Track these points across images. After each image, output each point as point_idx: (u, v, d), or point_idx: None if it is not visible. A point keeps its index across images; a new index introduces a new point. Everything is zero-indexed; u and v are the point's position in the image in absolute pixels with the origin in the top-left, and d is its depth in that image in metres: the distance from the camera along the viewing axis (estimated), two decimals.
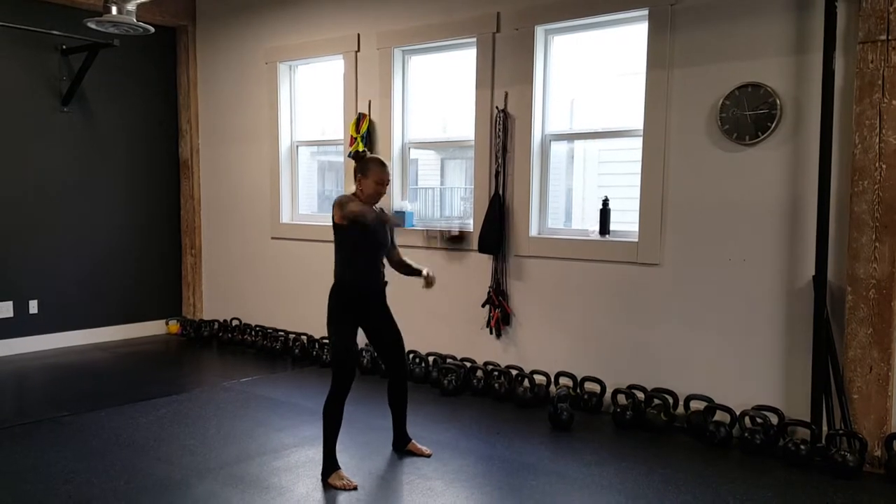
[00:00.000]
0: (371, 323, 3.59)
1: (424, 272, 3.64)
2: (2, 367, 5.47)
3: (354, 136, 5.49)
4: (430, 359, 5.20)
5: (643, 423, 4.13)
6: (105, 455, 3.67)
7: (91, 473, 3.43)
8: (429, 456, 3.69)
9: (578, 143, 5.05)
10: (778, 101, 3.86)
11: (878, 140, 3.52)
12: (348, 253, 3.48)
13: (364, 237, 3.44)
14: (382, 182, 3.46)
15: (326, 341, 5.64)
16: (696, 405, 4.12)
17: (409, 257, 3.74)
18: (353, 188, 3.54)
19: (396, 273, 3.68)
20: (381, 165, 3.48)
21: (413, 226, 5.37)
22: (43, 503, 3.11)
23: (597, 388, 4.49)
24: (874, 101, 3.52)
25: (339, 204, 3.38)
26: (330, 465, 3.37)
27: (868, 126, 3.54)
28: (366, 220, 3.34)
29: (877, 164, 3.53)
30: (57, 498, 3.16)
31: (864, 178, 3.56)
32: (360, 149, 3.55)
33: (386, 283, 3.60)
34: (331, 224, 3.46)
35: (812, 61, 3.75)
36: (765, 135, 3.91)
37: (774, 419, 3.86)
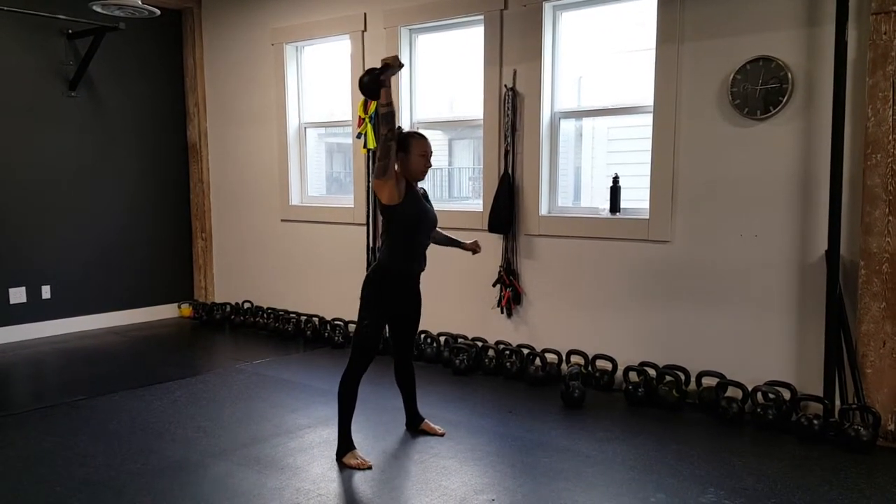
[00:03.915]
0: (403, 308, 3.52)
1: (469, 243, 3.66)
2: (17, 352, 5.52)
3: (362, 116, 5.46)
4: (442, 339, 5.22)
5: (655, 400, 4.14)
6: (121, 438, 3.71)
7: (108, 456, 3.47)
8: (442, 435, 3.71)
9: (587, 121, 5.01)
10: (789, 75, 3.81)
11: (891, 112, 3.48)
12: (400, 235, 3.34)
13: (417, 214, 3.35)
14: (426, 154, 3.34)
15: (339, 322, 5.67)
16: (708, 381, 4.12)
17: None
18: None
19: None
20: (421, 136, 3.36)
21: None
22: (60, 486, 3.15)
23: (608, 365, 4.50)
24: (887, 73, 3.47)
25: (380, 178, 3.20)
26: (345, 444, 3.39)
27: (881, 98, 3.50)
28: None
29: (890, 137, 3.49)
30: (74, 481, 3.20)
31: (878, 151, 3.52)
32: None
33: (425, 266, 3.52)
34: (373, 207, 3.34)
35: (824, 33, 3.71)
36: (776, 109, 3.87)
37: (787, 394, 3.86)
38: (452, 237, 3.73)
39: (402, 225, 3.34)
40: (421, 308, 3.63)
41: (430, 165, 3.41)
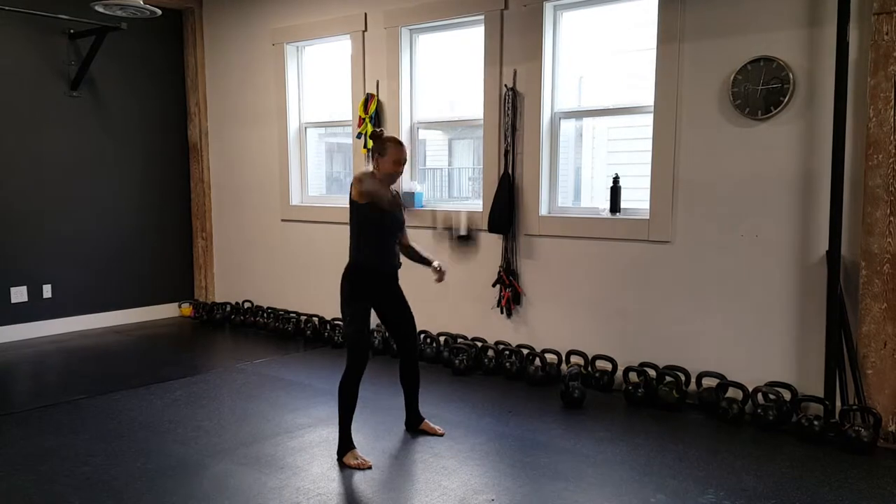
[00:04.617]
0: (384, 304, 3.59)
1: (435, 264, 3.61)
2: (18, 351, 5.53)
3: (363, 116, 5.48)
4: (442, 339, 5.21)
5: (655, 401, 4.14)
6: (122, 437, 3.71)
7: (109, 455, 3.47)
8: (441, 435, 3.71)
9: (587, 121, 5.01)
10: (791, 75, 3.81)
11: (893, 113, 3.47)
12: (365, 233, 3.45)
13: (381, 218, 3.44)
14: (400, 161, 3.45)
15: (339, 322, 5.67)
16: (708, 382, 4.12)
17: (417, 242, 3.71)
18: (369, 168, 3.52)
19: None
20: (399, 144, 3.48)
21: (422, 206, 5.37)
22: (62, 485, 3.15)
23: (608, 366, 4.49)
24: (889, 73, 3.47)
25: (358, 180, 3.37)
26: (345, 444, 3.40)
27: (883, 99, 3.49)
28: (382, 201, 3.35)
29: (892, 138, 3.49)
30: (76, 479, 3.20)
31: (879, 151, 3.52)
32: (375, 129, 3.56)
33: (400, 264, 3.60)
34: (348, 203, 3.44)
35: (825, 34, 3.70)
36: (777, 109, 3.86)
37: (787, 395, 3.86)
38: (421, 252, 3.65)
39: (365, 223, 3.43)
40: (407, 305, 3.65)
41: (401, 173, 3.50)
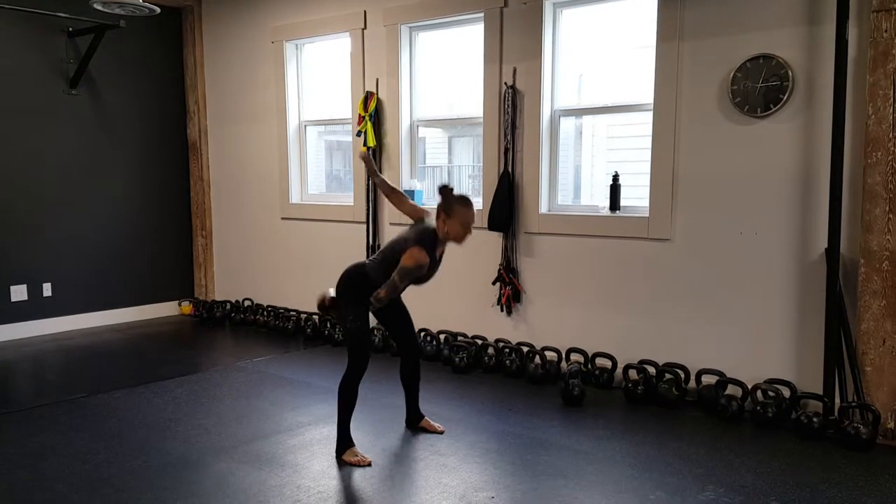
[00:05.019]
0: (387, 308, 3.55)
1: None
2: (18, 350, 5.53)
3: (362, 114, 5.48)
4: (442, 336, 5.22)
5: (655, 398, 4.14)
6: (122, 435, 3.72)
7: (109, 453, 3.47)
8: (442, 433, 3.72)
9: (587, 119, 5.01)
10: (790, 73, 3.81)
11: (891, 110, 3.48)
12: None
13: (421, 277, 3.35)
14: (467, 224, 3.30)
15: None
16: (707, 379, 4.12)
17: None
18: (431, 221, 3.40)
19: None
20: (467, 206, 3.30)
21: (423, 205, 5.36)
22: (63, 483, 3.16)
23: (608, 363, 4.50)
24: (888, 70, 3.47)
25: (419, 264, 3.21)
26: (344, 442, 3.40)
27: (882, 96, 3.49)
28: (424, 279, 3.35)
29: (891, 135, 3.49)
30: (76, 478, 3.20)
31: (878, 149, 3.52)
32: (445, 184, 3.35)
33: None
34: (397, 250, 3.28)
35: (825, 31, 3.70)
36: (777, 107, 3.87)
37: (787, 392, 3.86)
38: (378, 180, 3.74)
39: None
40: (403, 305, 3.65)
41: (470, 233, 3.35)
